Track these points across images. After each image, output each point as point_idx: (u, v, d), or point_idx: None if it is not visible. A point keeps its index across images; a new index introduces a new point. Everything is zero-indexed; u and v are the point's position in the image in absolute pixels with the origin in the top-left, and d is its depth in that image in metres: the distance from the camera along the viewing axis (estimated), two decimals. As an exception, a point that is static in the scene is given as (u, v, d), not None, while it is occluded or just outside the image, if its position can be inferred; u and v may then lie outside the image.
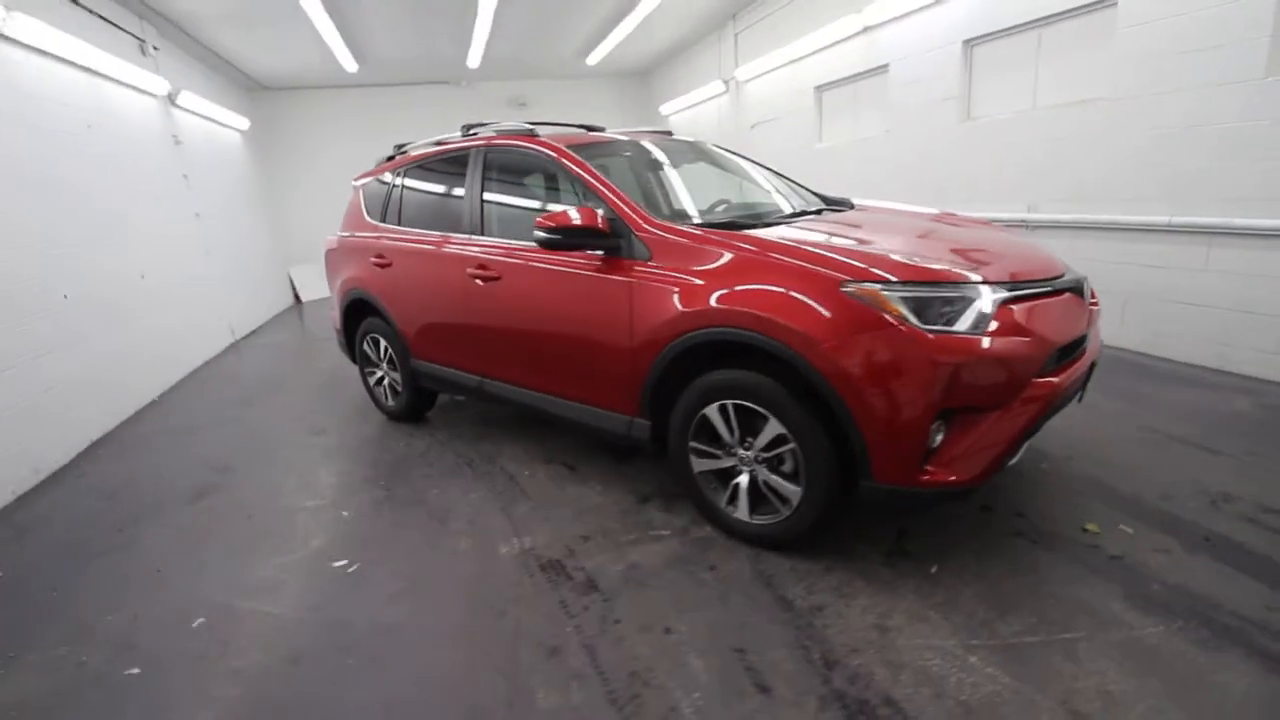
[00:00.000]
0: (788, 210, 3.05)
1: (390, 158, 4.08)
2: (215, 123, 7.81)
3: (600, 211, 2.52)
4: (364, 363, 4.21)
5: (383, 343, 3.93)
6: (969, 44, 5.07)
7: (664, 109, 10.84)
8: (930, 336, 1.88)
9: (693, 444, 2.44)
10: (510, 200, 3.17)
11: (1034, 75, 4.64)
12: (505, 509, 2.87)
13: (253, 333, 8.07)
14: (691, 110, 10.02)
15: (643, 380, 2.50)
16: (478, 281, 3.10)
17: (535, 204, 3.13)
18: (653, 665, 1.86)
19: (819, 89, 7.02)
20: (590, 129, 3.36)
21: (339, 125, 10.61)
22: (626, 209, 2.54)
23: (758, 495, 2.34)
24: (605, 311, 2.57)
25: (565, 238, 2.52)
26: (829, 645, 1.88)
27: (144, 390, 5.10)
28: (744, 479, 2.35)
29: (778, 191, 3.32)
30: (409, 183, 3.77)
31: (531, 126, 3.19)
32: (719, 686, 1.76)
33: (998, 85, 4.96)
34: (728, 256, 2.27)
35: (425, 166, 3.70)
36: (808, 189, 3.46)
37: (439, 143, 3.71)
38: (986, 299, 1.96)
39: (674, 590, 2.20)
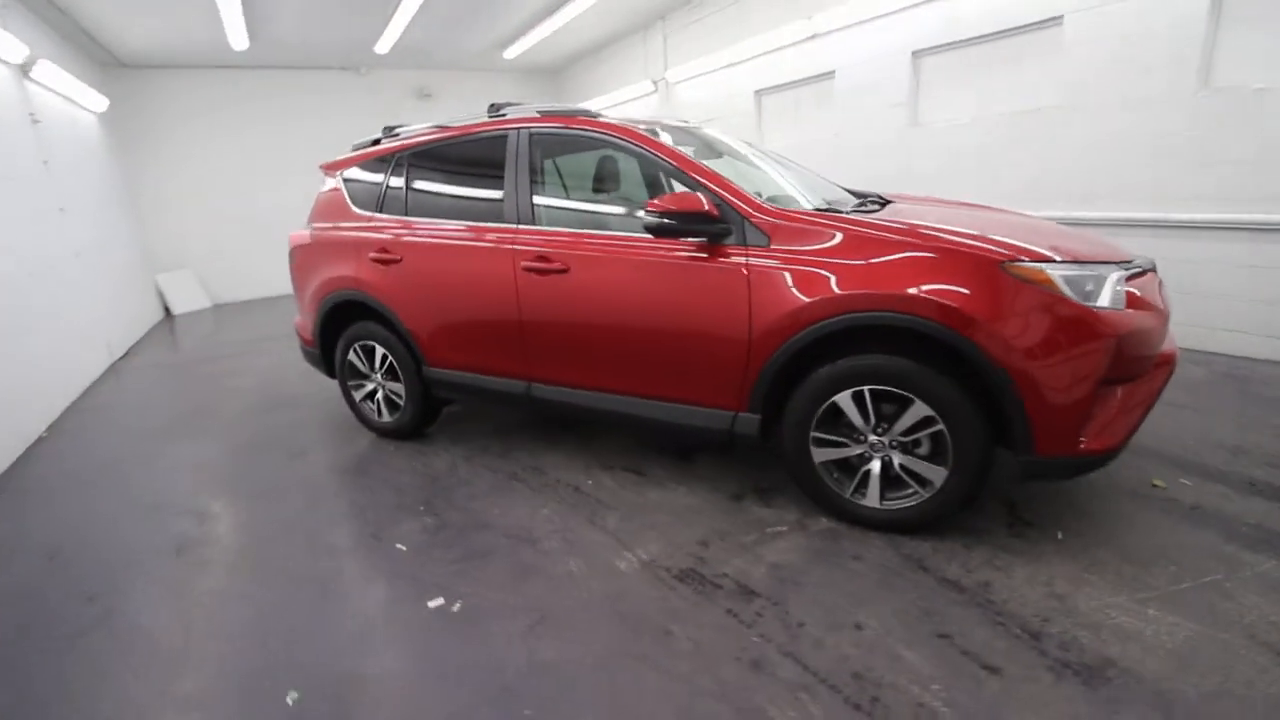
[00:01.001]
0: (836, 201, 3.10)
1: (375, 141, 3.61)
2: (73, 103, 6.48)
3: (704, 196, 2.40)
4: (348, 375, 3.68)
5: (379, 351, 3.46)
6: (917, 55, 5.49)
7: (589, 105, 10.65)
8: (1099, 312, 1.98)
9: (815, 434, 2.39)
10: (573, 187, 2.92)
11: (982, 85, 5.12)
12: (593, 522, 2.63)
13: (130, 352, 6.81)
14: (617, 110, 9.95)
15: (758, 372, 2.40)
16: (534, 275, 2.82)
17: (604, 191, 2.90)
18: (869, 664, 1.78)
19: (759, 93, 7.25)
20: (588, 114, 3.12)
21: (219, 112, 9.29)
22: (736, 194, 2.43)
23: (887, 481, 2.33)
24: (714, 301, 2.43)
25: (681, 223, 2.36)
26: (1020, 618, 1.91)
27: (24, 426, 4.09)
28: (875, 465, 2.33)
29: (802, 184, 3.34)
30: (418, 170, 3.34)
31: (586, 108, 2.97)
32: (949, 675, 1.72)
33: (946, 93, 5.42)
34: (855, 241, 2.25)
35: (440, 152, 3.30)
36: (836, 184, 3.54)
37: (439, 126, 3.34)
38: (1119, 277, 2.11)
39: (835, 585, 2.12)
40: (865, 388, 2.24)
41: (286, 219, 9.98)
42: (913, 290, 2.09)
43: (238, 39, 7.37)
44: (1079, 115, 4.46)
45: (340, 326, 3.61)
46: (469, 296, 3.06)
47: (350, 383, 3.70)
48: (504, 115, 3.13)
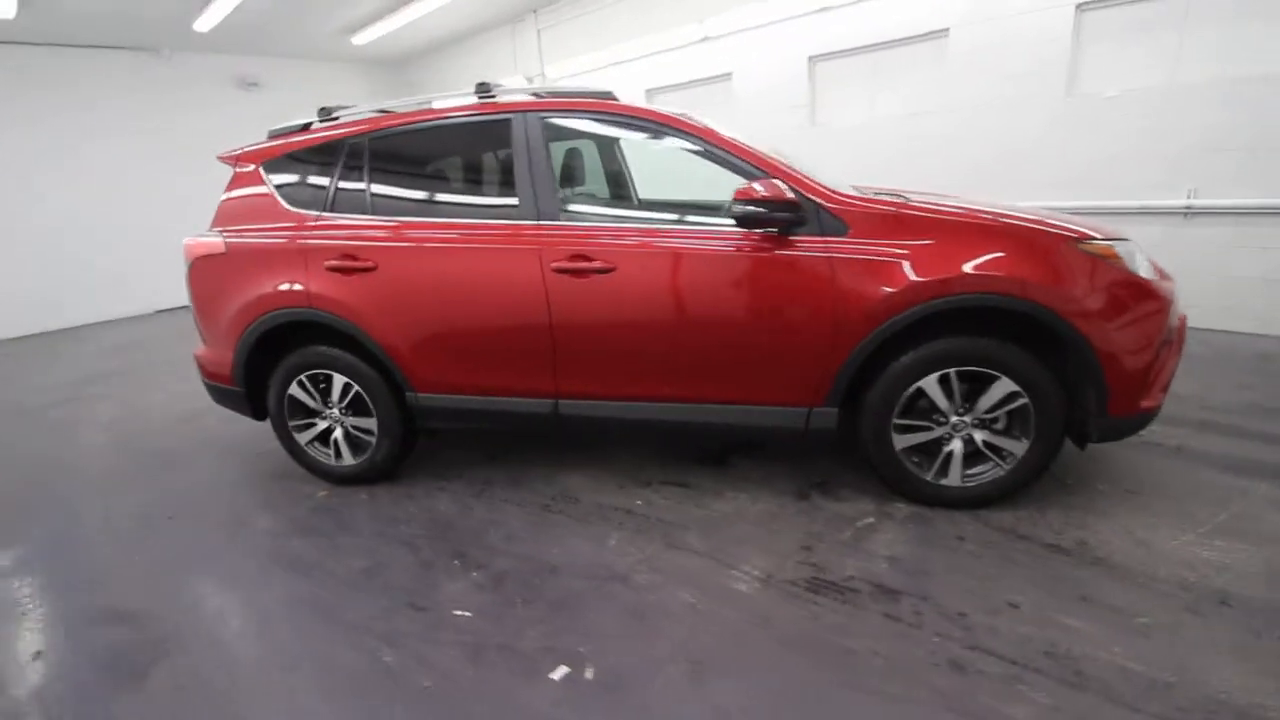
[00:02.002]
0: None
1: (305, 125, 2.93)
2: None
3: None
4: (289, 415, 2.96)
5: (338, 381, 2.82)
6: (813, 60, 5.85)
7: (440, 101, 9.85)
8: (1153, 282, 2.19)
9: (897, 421, 2.38)
10: (608, 177, 2.59)
11: (875, 89, 5.59)
12: (673, 545, 2.37)
13: None
14: (481, 107, 9.34)
15: (841, 364, 2.34)
16: (569, 277, 2.47)
17: (640, 180, 2.62)
18: (1051, 640, 1.79)
19: (650, 92, 7.25)
20: (612, 96, 2.85)
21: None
22: (808, 181, 2.33)
23: (966, 459, 2.40)
24: (794, 295, 2.32)
25: (770, 212, 2.20)
26: (1129, 569, 2.05)
27: None
28: (957, 445, 2.38)
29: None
30: (383, 160, 2.76)
31: (607, 90, 2.66)
32: (1117, 634, 1.79)
33: (842, 96, 5.83)
34: (935, 226, 2.27)
35: (412, 139, 2.77)
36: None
37: (384, 112, 2.81)
38: (1142, 252, 2.37)
39: (962, 569, 2.12)
40: (953, 370, 2.28)
41: (80, 231, 7.99)
42: (1001, 272, 2.17)
43: (4, 4, 5.64)
44: (963, 116, 5.05)
45: (275, 356, 2.89)
46: (477, 306, 2.60)
47: (293, 423, 2.98)
48: (493, 97, 2.72)
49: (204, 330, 3.04)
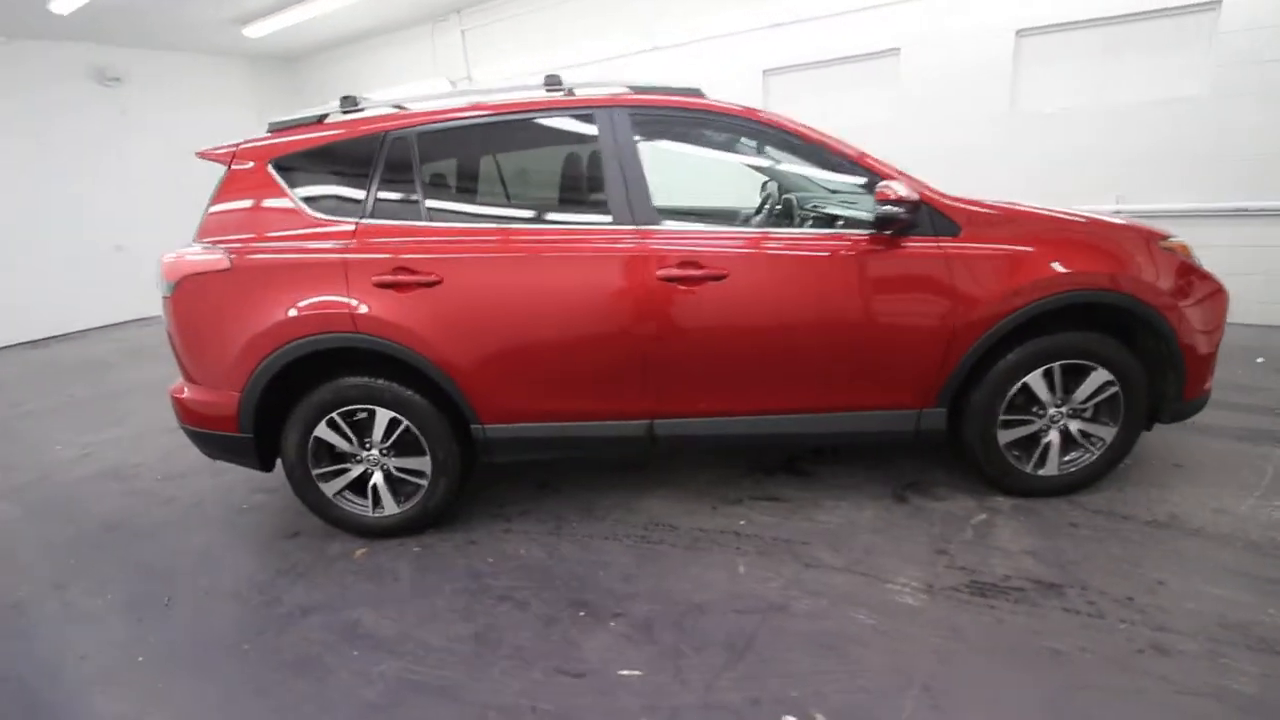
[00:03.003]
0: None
1: (321, 117, 2.48)
2: None
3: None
4: (313, 462, 2.46)
5: (381, 417, 2.39)
6: (768, 73, 6.00)
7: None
8: (1213, 275, 2.42)
9: (1003, 417, 2.43)
10: (709, 179, 2.40)
11: (827, 102, 5.84)
12: (808, 564, 2.24)
13: None
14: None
15: (955, 365, 2.35)
16: (677, 286, 2.26)
17: (740, 182, 2.46)
18: (1227, 615, 1.86)
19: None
20: (700, 93, 2.64)
21: None
22: (920, 182, 2.31)
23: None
24: (910, 296, 2.30)
25: (907, 214, 2.15)
26: (1229, 537, 2.22)
27: None
28: (1054, 435, 2.47)
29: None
30: (437, 159, 2.38)
31: (695, 87, 2.48)
32: (1272, 599, 1.93)
33: (794, 109, 6.02)
34: (1040, 225, 2.36)
35: (473, 134, 2.43)
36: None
37: (399, 107, 2.46)
38: (1191, 247, 2.62)
39: (1100, 553, 2.19)
40: (1056, 364, 2.37)
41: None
42: (1103, 269, 2.29)
43: None
44: (912, 129, 5.42)
45: (296, 392, 2.40)
46: (567, 321, 2.31)
47: (318, 471, 2.48)
48: (566, 91, 2.46)
49: (192, 367, 2.45)
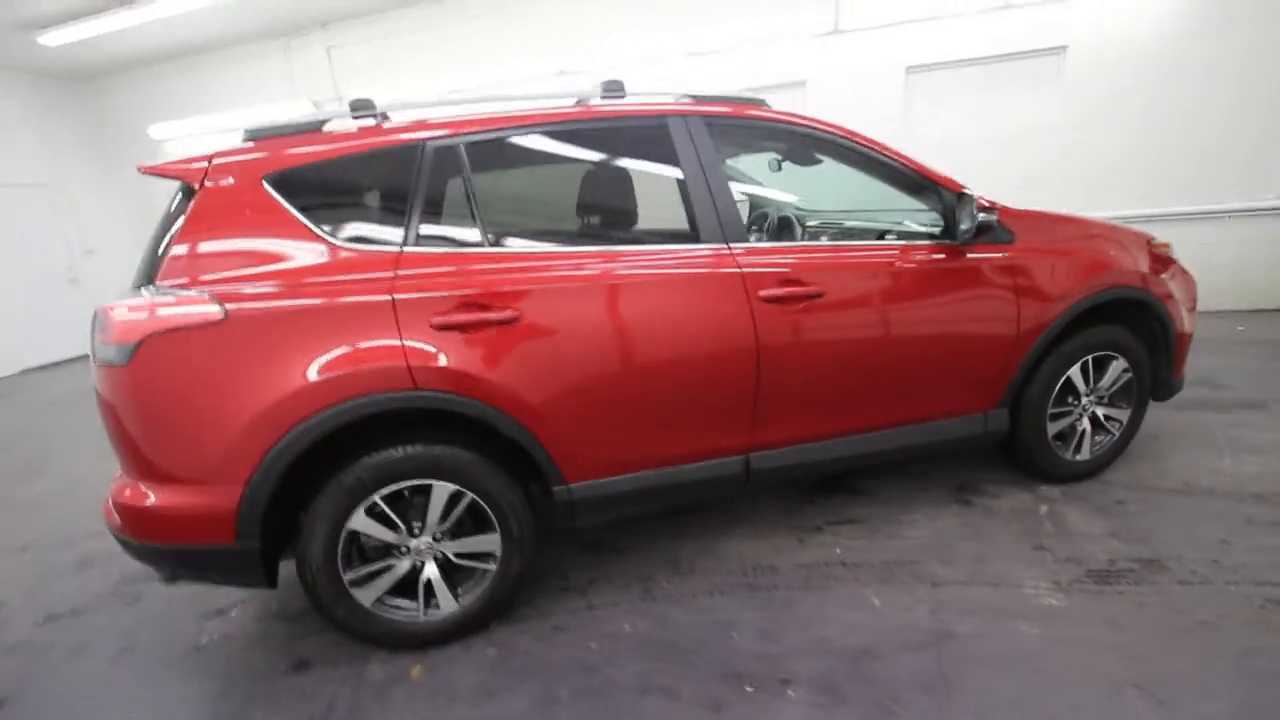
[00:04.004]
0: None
1: (316, 126, 1.95)
2: None
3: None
4: (348, 562, 1.89)
5: (439, 492, 1.91)
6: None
7: (161, 130, 7.55)
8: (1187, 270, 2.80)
9: (1051, 410, 2.58)
10: (782, 192, 2.23)
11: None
12: (936, 584, 2.16)
13: None
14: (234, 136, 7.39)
15: (1017, 366, 2.45)
16: (778, 306, 2.09)
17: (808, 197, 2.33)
18: (1293, 561, 2.11)
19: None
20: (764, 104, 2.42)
21: None
22: (976, 193, 2.39)
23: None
24: (985, 304, 2.36)
25: (995, 221, 2.19)
26: (1256, 492, 2.54)
27: None
28: (1086, 422, 2.68)
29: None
30: (489, 171, 1.97)
31: (758, 98, 2.32)
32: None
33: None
34: (1065, 230, 2.55)
35: (530, 141, 2.06)
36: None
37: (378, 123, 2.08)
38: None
39: (1159, 524, 2.38)
40: (1090, 357, 2.58)
41: None
42: (1131, 269, 2.54)
43: None
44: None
45: (318, 477, 1.83)
46: (666, 352, 2.03)
47: (353, 575, 1.91)
48: (624, 97, 2.20)
49: (160, 458, 1.76)
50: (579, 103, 2.28)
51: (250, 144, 1.91)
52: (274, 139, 1.93)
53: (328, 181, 1.90)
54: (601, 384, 2.00)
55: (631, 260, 2.05)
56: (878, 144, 2.39)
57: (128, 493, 1.81)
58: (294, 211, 1.84)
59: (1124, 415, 2.72)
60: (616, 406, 2.03)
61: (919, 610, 2.04)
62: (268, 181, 1.84)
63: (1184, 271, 2.77)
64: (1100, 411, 2.69)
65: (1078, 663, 1.78)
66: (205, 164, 1.83)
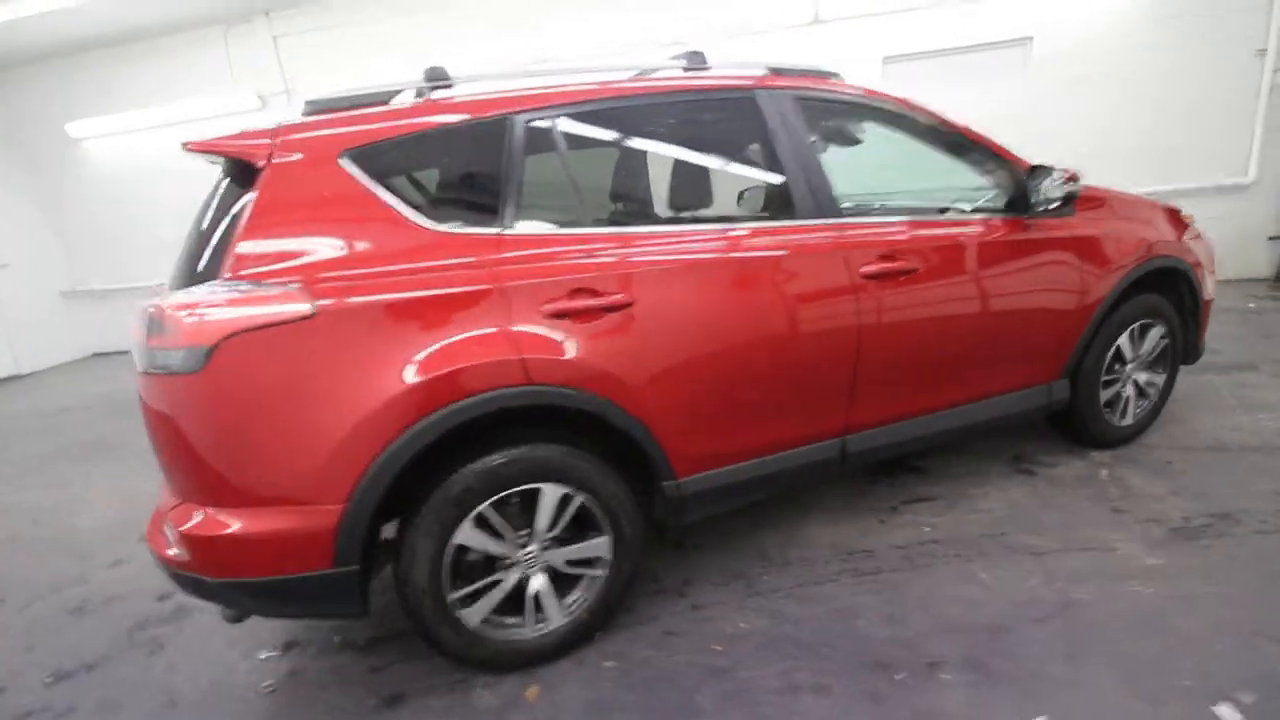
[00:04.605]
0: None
1: (384, 98, 1.74)
2: None
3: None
4: (454, 580, 1.69)
5: (548, 497, 1.75)
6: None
7: (80, 127, 6.79)
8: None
9: (1104, 378, 2.66)
10: (867, 166, 2.17)
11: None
12: (1035, 554, 2.16)
13: None
14: (171, 130, 6.73)
15: (1080, 335, 2.51)
16: (878, 283, 2.04)
17: (881, 169, 2.28)
18: (1347, 505, 2.25)
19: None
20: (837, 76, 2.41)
21: None
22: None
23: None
24: (1055, 276, 2.41)
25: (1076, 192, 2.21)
26: (1274, 443, 2.72)
27: None
28: (1130, 389, 2.78)
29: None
30: (584, 145, 1.81)
31: (832, 71, 2.25)
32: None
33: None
34: (1119, 205, 2.62)
35: (624, 113, 1.93)
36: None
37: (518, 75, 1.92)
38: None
39: (1211, 480, 2.49)
40: (1137, 324, 2.67)
41: None
42: (1173, 239, 2.66)
43: None
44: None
45: (424, 481, 1.64)
46: (777, 334, 1.94)
47: (457, 595, 1.71)
48: (707, 69, 2.08)
49: (241, 477, 1.51)
50: (642, 73, 2.16)
51: (322, 114, 1.69)
52: (342, 112, 1.71)
53: (414, 157, 1.71)
54: (711, 369, 1.89)
55: (738, 238, 1.95)
56: (956, 123, 2.38)
57: (196, 521, 1.55)
58: (379, 191, 1.63)
59: (1160, 380, 2.84)
60: (725, 392, 1.93)
61: (1031, 581, 2.04)
62: (347, 158, 1.62)
63: (1203, 239, 2.93)
64: (1141, 377, 2.80)
65: (1199, 617, 1.82)
66: (270, 140, 1.59)
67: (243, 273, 1.52)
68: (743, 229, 1.98)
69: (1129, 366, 2.74)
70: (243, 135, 1.62)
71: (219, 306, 1.46)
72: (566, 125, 1.82)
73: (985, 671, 1.71)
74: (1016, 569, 2.11)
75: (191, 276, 1.61)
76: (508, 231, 1.71)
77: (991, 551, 2.21)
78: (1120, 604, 1.91)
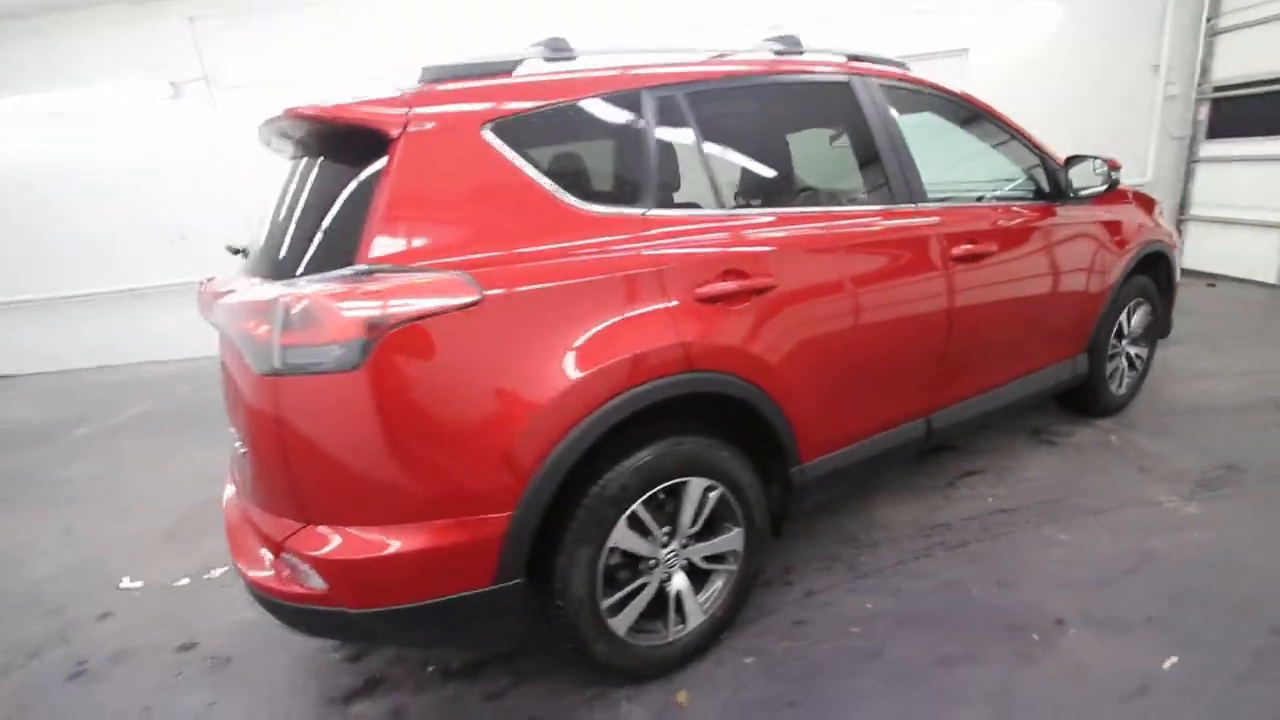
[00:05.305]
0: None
1: (507, 68, 1.59)
2: None
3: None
4: (603, 586, 1.57)
5: (693, 491, 1.67)
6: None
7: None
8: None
9: (1110, 351, 2.93)
10: (937, 153, 2.23)
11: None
12: (1097, 513, 2.34)
13: None
14: (58, 122, 5.80)
15: (1098, 313, 2.75)
16: (963, 265, 2.13)
17: (947, 157, 2.35)
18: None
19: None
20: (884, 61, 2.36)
21: None
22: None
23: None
24: (1087, 256, 2.63)
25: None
26: (1242, 401, 3.11)
27: None
28: (1124, 361, 3.07)
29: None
30: (710, 124, 1.73)
31: (900, 61, 2.31)
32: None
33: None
34: (1117, 192, 2.88)
35: (745, 94, 1.91)
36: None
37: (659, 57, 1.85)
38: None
39: (1213, 440, 2.79)
40: (1132, 303, 2.96)
41: None
42: (1158, 223, 2.97)
43: None
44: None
45: (585, 476, 1.51)
46: (890, 314, 1.98)
47: (609, 602, 1.59)
48: (801, 54, 2.08)
49: (404, 488, 1.32)
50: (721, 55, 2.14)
51: (451, 82, 1.51)
52: (464, 81, 1.54)
53: (557, 131, 1.57)
54: (837, 352, 1.89)
55: (856, 221, 1.97)
56: (1002, 115, 2.53)
57: (336, 545, 1.34)
58: (525, 167, 1.49)
59: (1145, 353, 3.18)
60: (848, 374, 1.94)
61: (1105, 538, 2.21)
62: (490, 130, 1.47)
63: (1166, 224, 3.31)
64: (1132, 351, 3.12)
65: (1266, 555, 2.04)
66: (404, 108, 1.41)
67: (381, 257, 1.33)
68: (871, 213, 2.01)
69: (1124, 341, 3.04)
70: (367, 102, 1.42)
71: (377, 295, 1.27)
72: (703, 103, 1.76)
73: (1106, 623, 1.83)
74: (1086, 528, 2.27)
75: (296, 264, 1.40)
76: (651, 212, 1.62)
77: (1057, 515, 2.37)
78: (1192, 550, 2.10)
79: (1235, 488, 2.43)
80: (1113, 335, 2.90)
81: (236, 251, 1.89)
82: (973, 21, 5.70)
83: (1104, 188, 2.46)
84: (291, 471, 1.34)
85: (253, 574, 1.46)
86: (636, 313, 1.51)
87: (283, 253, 1.52)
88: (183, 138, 5.90)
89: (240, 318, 1.37)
